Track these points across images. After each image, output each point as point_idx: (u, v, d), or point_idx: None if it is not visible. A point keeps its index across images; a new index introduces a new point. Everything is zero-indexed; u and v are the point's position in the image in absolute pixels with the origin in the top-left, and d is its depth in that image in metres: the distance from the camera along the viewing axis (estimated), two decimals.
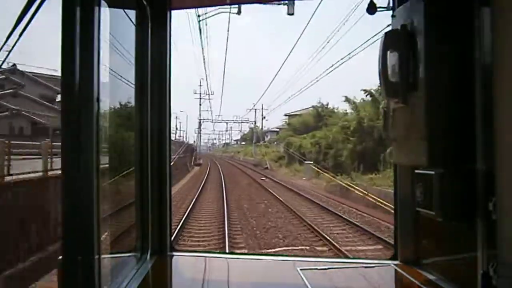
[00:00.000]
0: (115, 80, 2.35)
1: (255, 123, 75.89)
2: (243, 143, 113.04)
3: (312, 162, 33.62)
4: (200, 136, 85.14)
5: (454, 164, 1.86)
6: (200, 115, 79.92)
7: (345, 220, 15.39)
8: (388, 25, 2.37)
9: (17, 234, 9.84)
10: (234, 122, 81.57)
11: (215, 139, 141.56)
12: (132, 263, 2.49)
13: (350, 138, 28.80)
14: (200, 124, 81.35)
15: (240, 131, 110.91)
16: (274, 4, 30.38)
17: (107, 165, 2.09)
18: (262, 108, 71.89)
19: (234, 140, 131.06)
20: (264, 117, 71.26)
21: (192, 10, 25.20)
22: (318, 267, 2.65)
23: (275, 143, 66.61)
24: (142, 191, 2.66)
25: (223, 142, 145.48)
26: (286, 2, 20.39)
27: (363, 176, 24.38)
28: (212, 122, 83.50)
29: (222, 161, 74.03)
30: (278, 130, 78.15)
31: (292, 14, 21.93)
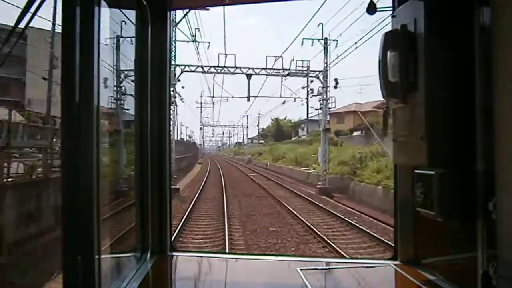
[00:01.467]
0: (115, 80, 2.35)
1: (325, 90, 26.45)
2: (261, 141, 79.09)
3: None
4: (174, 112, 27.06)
5: (454, 164, 1.86)
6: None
7: None
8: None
9: None
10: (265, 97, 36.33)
11: (223, 133, 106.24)
12: (132, 263, 2.49)
13: None
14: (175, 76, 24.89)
15: (258, 125, 76.61)
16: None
17: (107, 165, 2.09)
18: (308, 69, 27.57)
19: (248, 139, 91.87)
20: (311, 90, 28.88)
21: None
22: (318, 267, 2.65)
23: (352, 135, 36.12)
24: (142, 191, 2.66)
25: (235, 141, 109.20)
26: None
27: None
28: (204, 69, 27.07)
29: (235, 173, 39.40)
30: (322, 119, 37.60)
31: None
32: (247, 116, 76.22)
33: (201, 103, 63.03)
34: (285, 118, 69.77)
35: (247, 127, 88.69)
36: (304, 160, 34.06)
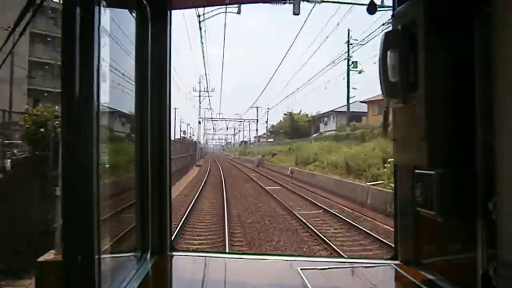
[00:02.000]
0: (115, 79, 2.35)
1: None
2: (270, 140, 67.60)
3: None
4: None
5: (454, 164, 1.86)
6: None
7: None
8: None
9: None
10: None
11: (227, 128, 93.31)
12: (132, 263, 2.49)
13: None
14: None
15: (266, 122, 66.67)
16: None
17: (107, 165, 2.09)
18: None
19: (255, 137, 79.56)
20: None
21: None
22: (318, 267, 2.65)
23: None
24: (142, 191, 2.66)
25: (241, 139, 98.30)
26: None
27: None
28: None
29: (245, 186, 25.47)
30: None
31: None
32: (257, 107, 61.03)
33: (200, 90, 53.08)
34: (299, 112, 57.65)
35: (257, 120, 70.75)
36: (363, 168, 19.92)
